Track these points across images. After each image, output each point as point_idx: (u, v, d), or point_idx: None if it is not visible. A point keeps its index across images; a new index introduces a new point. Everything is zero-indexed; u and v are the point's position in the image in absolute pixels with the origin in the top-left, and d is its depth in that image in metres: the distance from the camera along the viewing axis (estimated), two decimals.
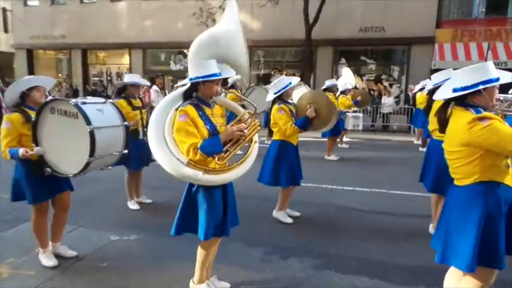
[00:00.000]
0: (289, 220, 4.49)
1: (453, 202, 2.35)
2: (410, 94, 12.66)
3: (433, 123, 4.03)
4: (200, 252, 2.90)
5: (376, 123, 14.12)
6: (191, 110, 2.57)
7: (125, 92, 4.75)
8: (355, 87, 10.29)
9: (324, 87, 8.10)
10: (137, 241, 4.08)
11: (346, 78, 9.67)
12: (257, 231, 4.27)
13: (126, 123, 3.32)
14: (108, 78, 21.29)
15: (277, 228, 4.38)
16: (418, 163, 7.72)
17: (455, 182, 2.36)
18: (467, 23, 15.75)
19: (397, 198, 5.59)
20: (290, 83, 4.18)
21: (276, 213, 4.53)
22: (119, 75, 21.03)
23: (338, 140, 9.18)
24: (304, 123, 4.14)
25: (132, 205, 5.02)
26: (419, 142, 9.87)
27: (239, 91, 9.52)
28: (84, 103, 3.06)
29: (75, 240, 3.97)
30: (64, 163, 3.09)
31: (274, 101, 4.22)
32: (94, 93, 18.57)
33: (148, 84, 6.02)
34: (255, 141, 2.81)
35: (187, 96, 2.74)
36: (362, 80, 17.32)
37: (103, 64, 21.76)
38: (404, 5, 15.82)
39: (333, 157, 8.20)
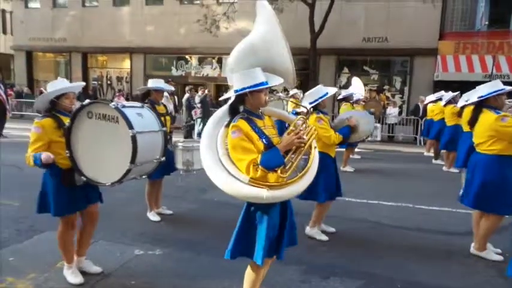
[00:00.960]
0: (325, 238, 4.27)
1: None
2: (420, 105, 12.59)
3: (478, 137, 3.87)
4: (250, 275, 2.67)
5: (381, 134, 14.04)
6: (243, 124, 2.38)
7: (148, 97, 4.53)
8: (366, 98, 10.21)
9: (341, 97, 7.97)
10: (163, 256, 3.84)
11: (356, 88, 9.56)
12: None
13: (164, 128, 3.12)
14: (108, 82, 21.00)
15: (311, 246, 4.14)
16: (434, 176, 7.76)
17: None
18: (470, 36, 15.86)
19: (425, 213, 5.42)
20: (327, 93, 4.00)
21: (309, 231, 4.31)
22: (119, 80, 20.79)
23: None
24: (348, 133, 3.97)
25: (153, 216, 4.77)
26: (430, 154, 9.75)
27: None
28: (124, 106, 2.84)
29: (97, 254, 3.71)
30: (100, 171, 2.86)
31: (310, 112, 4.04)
32: (92, 98, 18.25)
33: (172, 89, 5.78)
34: (315, 147, 2.61)
35: (234, 110, 2.56)
36: (364, 90, 17.30)
37: (103, 68, 21.48)
38: (407, 16, 15.92)
39: (348, 168, 8.03)
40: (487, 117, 3.73)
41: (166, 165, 4.48)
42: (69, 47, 20.58)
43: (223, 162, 2.42)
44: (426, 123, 9.93)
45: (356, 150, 9.96)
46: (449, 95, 7.90)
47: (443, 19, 16.15)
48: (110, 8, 19.99)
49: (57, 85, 3.01)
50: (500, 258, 3.87)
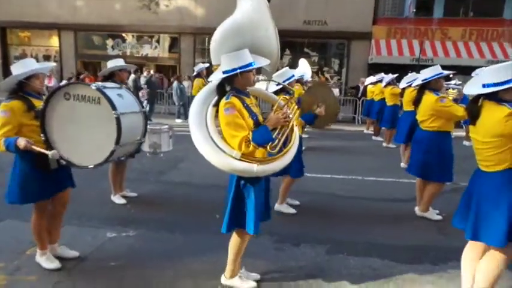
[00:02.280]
0: (293, 211, 4.56)
1: (483, 186, 2.60)
2: (361, 86, 13.40)
3: (421, 115, 4.38)
4: (237, 242, 2.84)
5: None
6: (236, 102, 2.51)
7: (111, 79, 4.37)
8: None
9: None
10: (137, 237, 3.85)
11: (303, 69, 9.92)
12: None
13: (144, 109, 3.10)
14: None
15: (279, 219, 4.39)
16: (376, 151, 8.49)
17: (484, 169, 2.62)
18: (399, 22, 17.11)
19: (374, 184, 6.00)
20: (293, 75, 4.20)
21: (278, 207, 4.56)
22: (47, 59, 19.09)
23: None
24: (312, 120, 4.21)
25: (118, 199, 4.69)
26: (370, 131, 10.52)
27: (205, 79, 9.35)
28: (105, 87, 2.79)
29: (67, 239, 3.60)
30: (81, 154, 2.79)
31: (276, 93, 4.21)
32: None
33: (135, 67, 5.48)
34: (296, 125, 2.81)
35: (222, 89, 2.66)
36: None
37: (26, 45, 19.54)
38: (345, 1, 16.67)
39: None
40: (429, 98, 4.24)
41: None
42: None
43: (214, 139, 2.52)
44: (366, 104, 10.68)
45: (305, 129, 10.45)
46: (389, 77, 8.59)
47: (377, 5, 17.18)
48: None
49: (26, 65, 2.83)
50: (439, 217, 4.49)
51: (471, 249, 2.81)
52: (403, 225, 4.37)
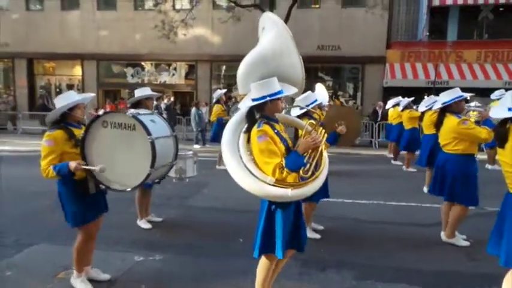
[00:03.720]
0: (317, 236, 4.57)
1: None
2: (378, 110, 13.44)
3: (444, 138, 4.39)
4: (265, 265, 2.86)
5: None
6: (268, 129, 2.60)
7: (139, 107, 4.55)
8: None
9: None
10: (164, 261, 3.91)
11: (320, 94, 10.05)
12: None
13: (175, 133, 3.23)
14: (57, 90, 19.95)
15: (308, 244, 4.39)
16: (396, 175, 8.42)
17: None
18: (413, 45, 17.27)
19: (396, 208, 5.93)
20: (316, 100, 4.31)
21: None
22: (70, 87, 19.85)
23: None
24: (334, 140, 4.28)
25: (144, 224, 4.79)
26: (391, 155, 10.44)
27: (223, 105, 9.57)
28: (139, 114, 2.95)
29: (96, 263, 3.68)
30: (118, 178, 2.92)
31: (300, 117, 4.31)
32: (40, 108, 17.32)
33: (159, 95, 5.72)
34: (325, 149, 2.88)
35: (252, 117, 2.75)
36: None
37: (51, 75, 20.39)
38: (358, 26, 16.97)
39: None
40: (450, 121, 4.26)
41: None
42: (12, 52, 19.29)
43: (248, 167, 2.60)
44: (387, 127, 10.63)
45: None
46: (406, 100, 8.64)
47: (390, 29, 17.44)
48: (58, 12, 19.09)
49: (69, 97, 3.02)
50: (467, 243, 4.40)
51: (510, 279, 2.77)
52: (430, 250, 4.31)
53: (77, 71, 19.79)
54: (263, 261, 2.88)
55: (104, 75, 19.81)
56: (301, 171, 2.58)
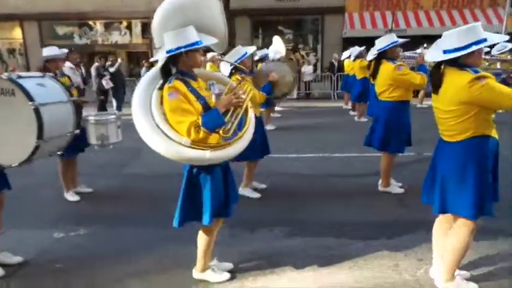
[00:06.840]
0: (257, 195, 4.42)
1: (447, 157, 2.46)
2: (334, 62, 13.20)
3: (380, 85, 4.23)
4: (203, 238, 2.67)
5: (298, 92, 14.58)
6: (180, 85, 2.29)
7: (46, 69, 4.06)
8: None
9: (257, 58, 8.00)
10: (88, 236, 3.65)
11: (277, 47, 9.68)
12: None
13: (73, 98, 2.85)
14: None
15: (244, 204, 4.20)
16: (347, 126, 8.37)
17: (448, 139, 2.46)
18: None
19: (341, 160, 5.90)
20: (246, 52, 3.98)
21: (242, 191, 4.38)
22: (11, 52, 18.32)
23: None
24: (270, 89, 4.04)
25: (71, 196, 4.46)
26: (349, 107, 10.34)
27: None
28: (20, 77, 2.53)
29: (9, 244, 3.36)
30: (3, 152, 2.54)
31: (231, 73, 3.99)
32: None
33: (65, 51, 5.12)
34: (251, 107, 2.60)
35: (166, 72, 2.41)
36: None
37: None
38: None
39: (269, 126, 8.26)
40: (386, 67, 4.09)
41: (79, 142, 4.18)
42: None
43: (161, 127, 2.30)
44: (344, 79, 10.44)
45: (276, 108, 10.27)
46: (356, 50, 8.40)
47: None
48: None
49: None
50: (401, 190, 4.42)
51: (440, 224, 2.70)
52: (364, 201, 4.28)
53: (17, 33, 18.14)
54: (201, 235, 2.67)
55: (49, 38, 18.25)
56: (220, 131, 2.30)
